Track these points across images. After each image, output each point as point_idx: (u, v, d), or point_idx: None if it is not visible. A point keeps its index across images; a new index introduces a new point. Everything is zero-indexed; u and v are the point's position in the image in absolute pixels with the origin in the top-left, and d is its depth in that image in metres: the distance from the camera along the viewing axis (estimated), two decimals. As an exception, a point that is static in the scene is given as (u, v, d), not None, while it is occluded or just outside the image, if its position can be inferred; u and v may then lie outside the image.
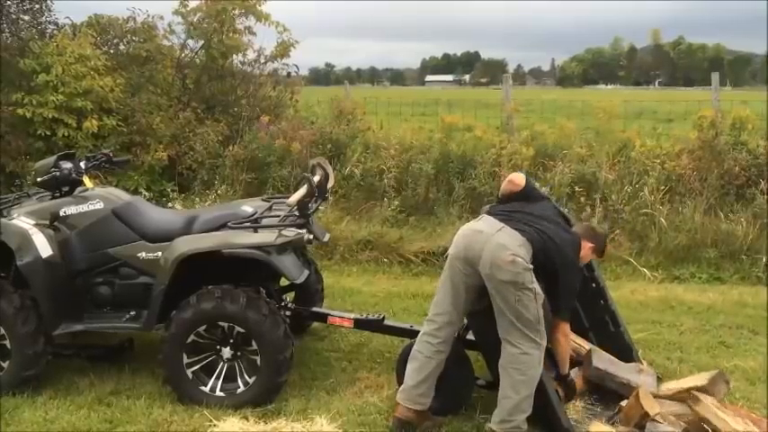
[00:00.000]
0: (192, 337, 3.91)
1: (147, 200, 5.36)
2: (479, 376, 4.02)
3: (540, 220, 3.66)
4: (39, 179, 4.31)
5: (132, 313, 4.21)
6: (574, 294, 3.71)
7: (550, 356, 3.80)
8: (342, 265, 7.06)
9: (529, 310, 3.46)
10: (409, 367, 3.74)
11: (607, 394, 3.92)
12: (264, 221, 4.15)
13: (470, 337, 4.03)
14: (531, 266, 3.46)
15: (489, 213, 3.73)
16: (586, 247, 3.80)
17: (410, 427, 3.68)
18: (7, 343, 3.99)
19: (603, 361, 3.98)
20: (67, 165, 4.38)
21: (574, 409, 3.76)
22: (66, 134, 8.05)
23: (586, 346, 4.09)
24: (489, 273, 3.46)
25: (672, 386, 3.90)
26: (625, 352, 4.15)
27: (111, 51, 9.33)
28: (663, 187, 7.51)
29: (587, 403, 3.89)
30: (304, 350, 4.73)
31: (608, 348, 4.16)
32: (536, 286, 3.47)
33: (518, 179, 3.86)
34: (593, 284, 4.24)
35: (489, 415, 3.80)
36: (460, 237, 3.65)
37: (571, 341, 3.99)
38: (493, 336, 3.71)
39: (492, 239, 3.50)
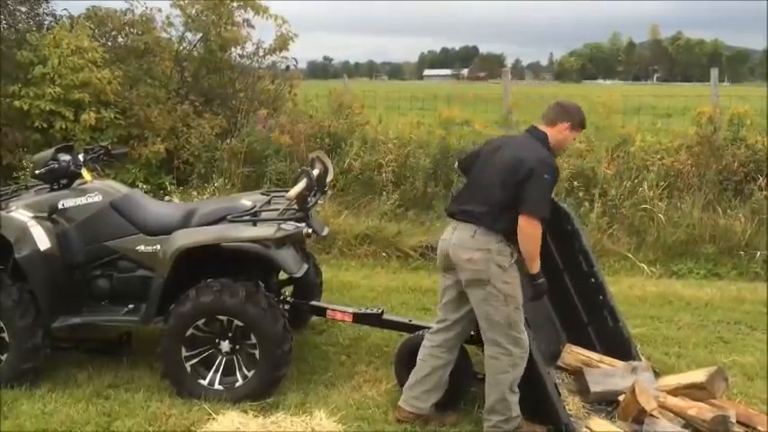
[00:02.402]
0: (190, 331, 3.89)
1: (145, 193, 5.34)
2: (478, 371, 4.02)
3: (480, 180, 3.53)
4: (37, 172, 4.29)
5: (131, 306, 4.20)
6: (541, 191, 3.37)
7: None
8: (340, 259, 7.07)
9: (498, 311, 3.41)
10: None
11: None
12: (263, 215, 4.14)
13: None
14: (499, 260, 3.36)
15: (447, 215, 3.74)
16: (562, 129, 3.55)
17: (418, 423, 3.69)
18: (5, 336, 3.98)
19: (598, 380, 3.89)
20: (66, 157, 4.37)
21: (573, 405, 3.76)
22: (63, 126, 8.03)
23: (595, 357, 4.05)
24: (460, 277, 3.50)
25: (670, 382, 3.90)
26: (624, 347, 4.15)
27: (109, 44, 9.31)
28: (662, 183, 7.52)
29: (585, 399, 3.88)
30: (303, 344, 4.73)
31: (607, 344, 4.16)
32: (506, 288, 3.40)
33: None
34: (592, 279, 4.24)
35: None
36: (438, 248, 3.69)
37: (579, 353, 3.99)
38: None
39: (452, 242, 3.53)
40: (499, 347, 3.45)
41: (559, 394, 3.68)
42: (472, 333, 4.00)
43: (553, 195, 4.31)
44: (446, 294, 3.69)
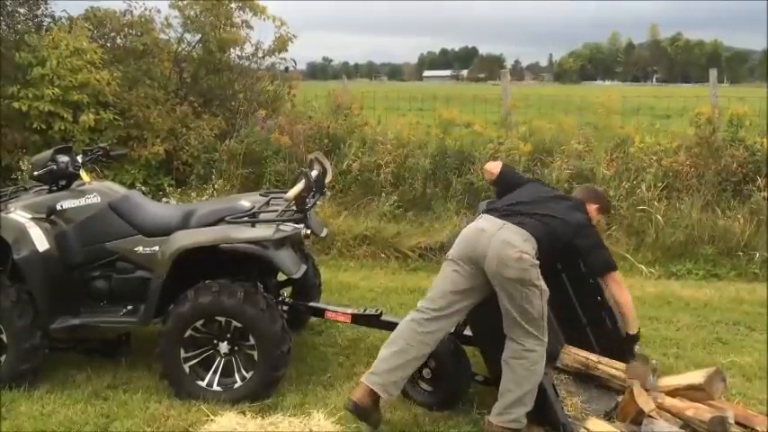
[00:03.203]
0: (189, 332, 3.89)
1: (144, 194, 5.35)
2: (477, 372, 4.03)
3: (537, 204, 3.70)
4: (35, 173, 4.28)
5: (129, 307, 4.20)
6: (600, 247, 3.74)
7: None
8: (339, 260, 7.06)
9: (534, 306, 3.47)
10: (386, 351, 3.58)
11: (604, 390, 3.92)
12: (262, 216, 4.14)
13: (467, 332, 4.04)
14: (537, 262, 3.47)
15: (488, 211, 3.74)
16: (592, 209, 3.88)
17: (363, 414, 3.51)
18: (4, 337, 3.98)
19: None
20: (64, 158, 4.36)
21: (572, 406, 3.76)
22: (62, 128, 8.02)
23: (593, 358, 4.05)
24: (495, 270, 3.45)
25: (668, 382, 3.90)
26: (621, 348, 4.14)
27: (108, 45, 9.30)
28: (660, 183, 7.52)
29: (585, 400, 3.88)
30: (301, 345, 4.73)
31: (605, 345, 4.16)
32: (542, 283, 3.49)
33: (492, 167, 4.07)
34: (590, 280, 4.24)
35: (485, 410, 3.81)
36: (463, 237, 3.64)
37: (578, 354, 4.01)
38: (491, 332, 3.71)
39: (496, 237, 3.50)
40: (535, 340, 3.52)
41: (557, 395, 3.69)
42: (470, 334, 4.01)
43: None
44: (453, 284, 3.59)
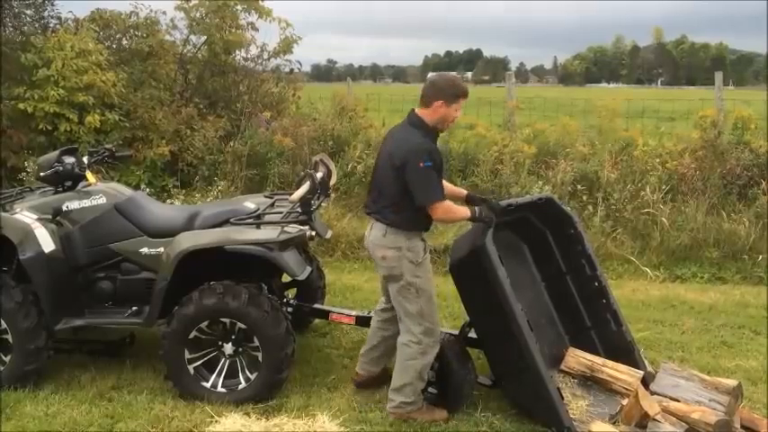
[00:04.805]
0: (193, 333, 3.91)
1: (149, 195, 5.36)
2: (480, 374, 4.02)
3: (376, 181, 3.74)
4: (41, 174, 4.30)
5: (134, 309, 4.21)
6: (423, 180, 3.51)
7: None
8: (343, 262, 7.06)
9: (411, 303, 3.65)
10: None
11: (609, 393, 3.91)
12: (267, 218, 4.15)
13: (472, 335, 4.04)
14: (410, 255, 3.59)
15: (365, 213, 4.00)
16: (438, 107, 3.55)
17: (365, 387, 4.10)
18: (9, 337, 3.99)
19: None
20: (70, 160, 4.39)
21: (576, 408, 3.76)
22: (68, 129, 8.03)
23: (598, 361, 4.05)
24: (378, 272, 3.82)
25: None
26: (627, 351, 4.14)
27: (114, 46, 9.33)
28: (665, 186, 7.51)
29: (589, 403, 3.88)
30: (306, 347, 4.73)
31: (610, 347, 4.15)
32: (419, 282, 3.63)
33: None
34: (596, 283, 4.23)
35: (489, 413, 3.81)
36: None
37: (582, 357, 4.01)
38: (494, 334, 3.71)
39: (369, 240, 3.77)
40: (412, 336, 3.69)
41: (562, 397, 3.68)
42: (473, 336, 4.02)
43: (556, 198, 4.33)
44: (383, 282, 3.93)
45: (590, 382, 3.98)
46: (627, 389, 3.81)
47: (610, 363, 4.01)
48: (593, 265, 4.23)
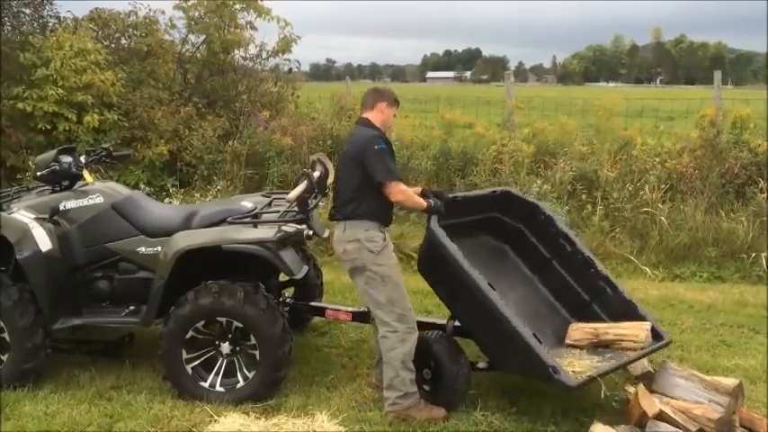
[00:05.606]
0: (190, 333, 3.90)
1: (147, 195, 5.35)
2: (474, 360, 4.02)
3: (339, 176, 3.87)
4: (39, 173, 4.30)
5: (131, 308, 4.21)
6: (380, 160, 3.70)
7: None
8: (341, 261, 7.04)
9: (379, 292, 3.73)
10: None
11: (618, 352, 3.89)
12: (264, 217, 4.14)
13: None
14: (370, 245, 3.69)
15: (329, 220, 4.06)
16: (382, 108, 3.92)
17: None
18: (6, 336, 3.99)
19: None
20: (67, 159, 4.38)
21: (582, 366, 3.69)
22: (66, 128, 8.04)
23: (602, 326, 4.04)
24: (343, 268, 3.90)
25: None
26: (629, 310, 4.13)
27: (113, 46, 9.33)
28: (664, 186, 7.51)
29: (597, 360, 3.81)
30: (304, 346, 4.73)
31: (613, 312, 4.16)
32: (382, 270, 3.72)
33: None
34: (579, 256, 4.27)
35: (488, 412, 3.81)
36: None
37: (585, 327, 4.03)
38: (470, 315, 3.79)
39: (333, 243, 3.92)
40: (386, 326, 3.76)
41: (540, 342, 3.59)
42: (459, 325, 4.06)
43: (514, 190, 4.47)
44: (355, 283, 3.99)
45: (600, 348, 3.97)
46: (635, 341, 3.84)
47: (614, 325, 4.01)
48: (571, 240, 4.33)
